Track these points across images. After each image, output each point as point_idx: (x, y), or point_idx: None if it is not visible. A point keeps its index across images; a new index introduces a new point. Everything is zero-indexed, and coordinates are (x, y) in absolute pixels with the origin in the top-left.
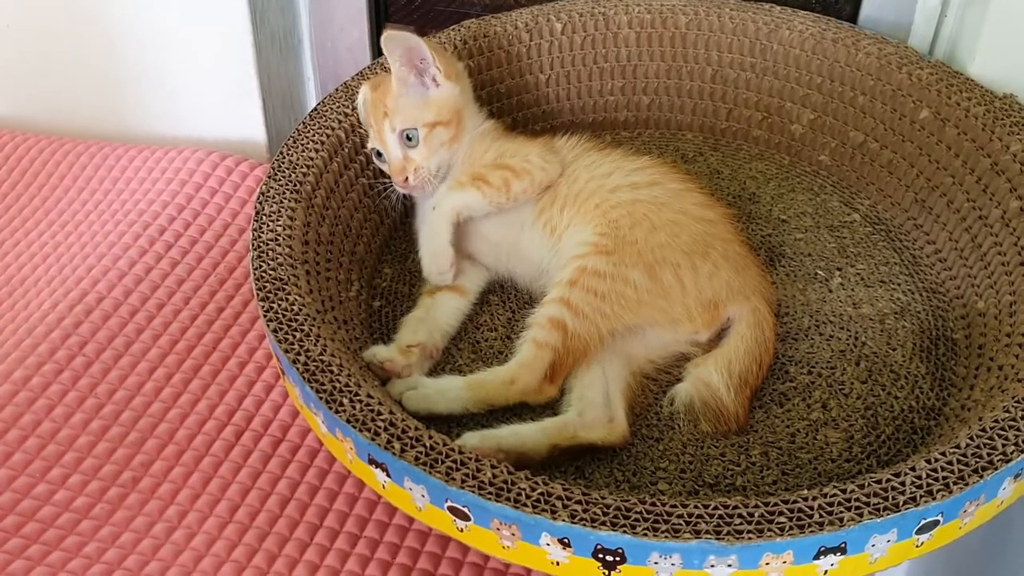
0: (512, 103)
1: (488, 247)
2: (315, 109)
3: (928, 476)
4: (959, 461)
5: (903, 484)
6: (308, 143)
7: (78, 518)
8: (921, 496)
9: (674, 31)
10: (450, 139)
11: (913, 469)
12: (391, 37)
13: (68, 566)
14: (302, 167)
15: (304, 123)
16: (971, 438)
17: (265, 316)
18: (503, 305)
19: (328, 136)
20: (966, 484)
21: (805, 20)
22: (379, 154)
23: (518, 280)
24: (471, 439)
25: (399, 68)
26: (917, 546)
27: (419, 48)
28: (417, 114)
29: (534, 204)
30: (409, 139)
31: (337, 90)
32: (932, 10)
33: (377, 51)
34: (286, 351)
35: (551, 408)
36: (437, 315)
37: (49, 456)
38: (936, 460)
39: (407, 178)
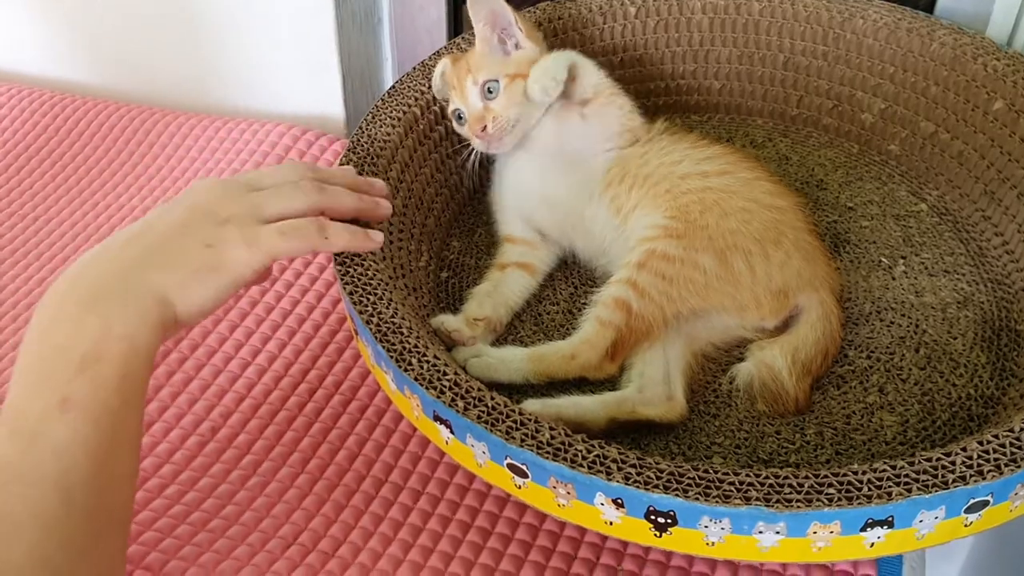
0: None
1: (555, 217)
2: (393, 87)
3: (979, 456)
4: (1012, 444)
5: (953, 463)
6: (386, 119)
7: (160, 462)
8: (971, 475)
9: (747, 17)
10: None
11: (964, 449)
12: None
13: (151, 505)
14: (379, 142)
15: (383, 100)
16: None
17: (342, 280)
18: (565, 280)
19: (404, 114)
20: (1017, 466)
21: (880, 9)
22: (459, 117)
23: (580, 255)
24: (532, 406)
25: (483, 28)
26: (966, 525)
27: (503, 11)
28: (499, 68)
29: (603, 176)
30: (490, 92)
31: (415, 69)
32: (1012, 0)
33: (454, 32)
34: (360, 313)
35: (611, 382)
36: (504, 290)
37: None
38: (989, 442)
39: (485, 127)
